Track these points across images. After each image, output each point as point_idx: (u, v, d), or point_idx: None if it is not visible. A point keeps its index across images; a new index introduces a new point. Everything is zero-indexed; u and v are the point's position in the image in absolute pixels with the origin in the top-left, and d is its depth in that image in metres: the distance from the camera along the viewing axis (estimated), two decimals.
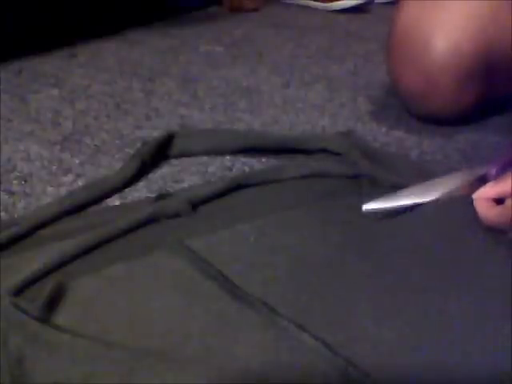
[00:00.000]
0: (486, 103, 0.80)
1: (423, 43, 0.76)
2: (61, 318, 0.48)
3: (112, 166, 0.73)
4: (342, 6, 1.50)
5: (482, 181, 0.60)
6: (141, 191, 0.68)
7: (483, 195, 0.58)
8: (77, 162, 0.74)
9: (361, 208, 0.59)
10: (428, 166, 0.72)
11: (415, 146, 0.78)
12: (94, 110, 0.90)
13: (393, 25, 0.80)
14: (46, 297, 0.49)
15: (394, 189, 0.62)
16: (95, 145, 0.79)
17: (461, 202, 0.59)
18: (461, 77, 0.76)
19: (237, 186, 0.66)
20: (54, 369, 0.43)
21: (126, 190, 0.68)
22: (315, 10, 1.54)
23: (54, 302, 0.49)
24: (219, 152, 0.75)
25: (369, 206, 0.59)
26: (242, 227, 0.59)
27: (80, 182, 0.69)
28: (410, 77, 0.78)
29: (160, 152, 0.74)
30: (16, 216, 0.62)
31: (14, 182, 0.69)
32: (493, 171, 0.59)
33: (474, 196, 0.58)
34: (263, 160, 0.74)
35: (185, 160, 0.74)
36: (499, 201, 0.57)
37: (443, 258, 0.55)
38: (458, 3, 0.76)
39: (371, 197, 0.60)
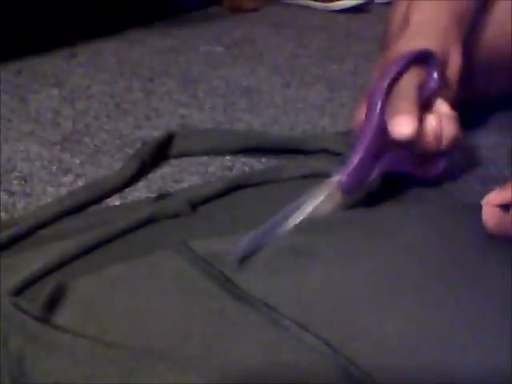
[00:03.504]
0: (476, 103, 0.80)
1: None
2: (61, 318, 0.48)
3: (112, 166, 0.73)
4: (342, 6, 1.51)
5: (339, 190, 0.58)
6: (141, 191, 0.68)
7: (490, 201, 0.56)
8: (77, 161, 0.74)
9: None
10: None
11: None
12: (94, 110, 0.90)
13: (387, 26, 0.80)
14: (46, 297, 0.49)
15: None
16: (95, 145, 0.79)
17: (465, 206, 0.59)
18: None
19: (237, 186, 0.66)
20: (54, 369, 0.43)
21: (126, 190, 0.68)
22: (315, 10, 1.54)
23: (54, 302, 0.49)
24: (219, 152, 0.75)
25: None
26: (242, 227, 0.59)
27: (80, 182, 0.69)
28: None
29: (160, 152, 0.74)
30: (16, 216, 0.62)
31: (14, 182, 0.69)
32: (343, 178, 0.58)
33: (482, 202, 0.56)
34: (263, 160, 0.74)
35: (185, 160, 0.74)
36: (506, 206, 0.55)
37: (444, 257, 0.55)
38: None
39: None
